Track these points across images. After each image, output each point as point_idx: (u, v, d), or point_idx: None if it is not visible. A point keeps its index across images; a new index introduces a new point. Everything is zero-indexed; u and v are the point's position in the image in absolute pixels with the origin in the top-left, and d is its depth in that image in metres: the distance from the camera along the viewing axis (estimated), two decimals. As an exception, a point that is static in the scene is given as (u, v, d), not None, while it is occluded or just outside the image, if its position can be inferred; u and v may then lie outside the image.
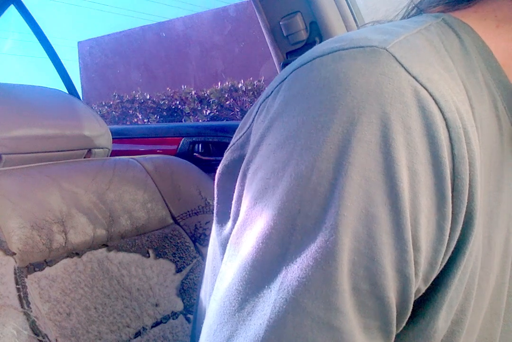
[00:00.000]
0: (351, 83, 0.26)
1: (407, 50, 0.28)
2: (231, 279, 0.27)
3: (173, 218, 0.89)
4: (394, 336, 0.27)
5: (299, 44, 0.89)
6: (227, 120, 4.84)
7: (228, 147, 0.34)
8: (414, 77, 0.27)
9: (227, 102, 5.01)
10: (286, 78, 0.30)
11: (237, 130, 0.35)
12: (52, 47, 1.45)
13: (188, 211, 0.90)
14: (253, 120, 0.32)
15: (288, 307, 0.25)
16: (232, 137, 0.36)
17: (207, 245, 0.88)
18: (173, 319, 0.76)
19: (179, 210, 0.90)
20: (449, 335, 0.30)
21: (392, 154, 0.25)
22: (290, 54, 0.92)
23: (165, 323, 0.75)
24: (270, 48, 0.94)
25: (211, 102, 5.06)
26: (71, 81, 1.49)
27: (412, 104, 0.26)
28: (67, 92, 1.41)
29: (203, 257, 0.88)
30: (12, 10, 1.39)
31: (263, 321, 0.25)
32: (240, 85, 4.95)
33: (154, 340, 0.72)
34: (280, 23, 0.89)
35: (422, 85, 0.26)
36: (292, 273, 0.25)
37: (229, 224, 0.33)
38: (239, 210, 0.31)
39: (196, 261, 0.86)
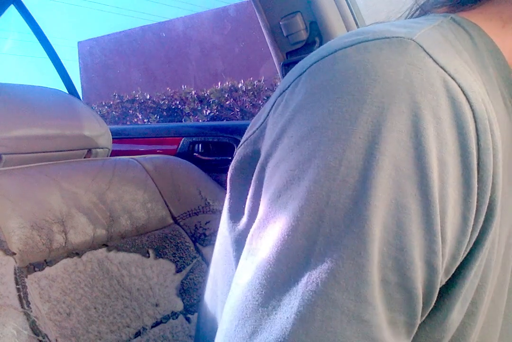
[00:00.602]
0: (379, 73, 0.26)
1: (431, 41, 0.28)
2: (253, 273, 0.27)
3: (173, 218, 0.89)
4: (416, 329, 0.27)
5: (299, 44, 0.89)
6: (227, 120, 4.84)
7: (241, 143, 0.34)
8: (442, 68, 0.26)
9: (227, 102, 5.01)
10: (304, 71, 0.29)
11: (249, 126, 0.35)
12: (52, 47, 1.45)
13: (188, 211, 0.90)
14: (267, 115, 0.32)
15: (317, 299, 0.24)
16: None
17: (207, 245, 0.89)
18: (173, 319, 0.76)
19: (179, 210, 0.90)
20: (461, 327, 0.30)
21: (423, 144, 0.25)
22: (290, 54, 0.92)
23: (165, 323, 0.75)
24: (270, 48, 0.94)
25: (211, 102, 5.06)
26: (71, 81, 1.49)
27: (442, 94, 0.26)
28: (67, 92, 1.41)
29: (203, 257, 0.88)
30: (12, 10, 1.39)
31: (290, 314, 0.25)
32: (240, 85, 4.95)
33: (154, 340, 0.72)
34: (280, 23, 0.89)
35: (450, 75, 0.26)
36: (320, 265, 0.25)
37: (244, 219, 0.33)
38: (256, 205, 0.30)
39: (196, 261, 0.86)
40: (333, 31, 0.85)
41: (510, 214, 0.32)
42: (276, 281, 0.26)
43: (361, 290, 0.24)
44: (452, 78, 0.26)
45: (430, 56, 0.27)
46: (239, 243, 0.32)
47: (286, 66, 0.93)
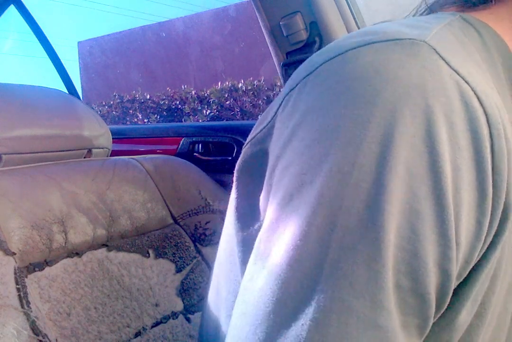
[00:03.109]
0: (391, 76, 0.25)
1: (443, 43, 0.27)
2: (264, 279, 0.27)
3: (173, 218, 0.89)
4: (427, 331, 0.27)
5: (299, 44, 0.89)
6: (227, 120, 4.84)
7: (247, 142, 0.33)
8: (455, 71, 0.26)
9: (227, 102, 5.01)
10: (313, 71, 0.29)
11: (255, 125, 0.34)
12: (52, 47, 1.45)
13: (188, 211, 0.90)
14: (275, 114, 0.31)
15: (333, 306, 0.24)
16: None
17: (207, 245, 0.89)
18: (173, 319, 0.76)
19: (179, 210, 0.90)
20: (469, 328, 0.30)
21: (437, 148, 0.25)
22: (290, 54, 0.92)
23: (165, 323, 0.75)
24: (270, 48, 0.94)
25: (211, 102, 5.06)
26: (71, 81, 1.49)
27: (455, 98, 0.26)
28: (67, 92, 1.41)
29: (203, 257, 0.88)
30: (12, 10, 1.39)
31: (305, 321, 0.24)
32: (240, 85, 4.95)
33: (154, 340, 0.72)
34: (280, 23, 0.89)
35: (463, 79, 0.26)
36: (335, 271, 0.24)
37: (254, 220, 0.32)
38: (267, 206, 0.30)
39: (196, 261, 0.86)
40: (333, 31, 0.85)
41: None
42: (288, 288, 0.25)
43: (377, 295, 0.24)
44: (466, 81, 0.26)
45: (443, 59, 0.26)
46: (245, 243, 0.32)
47: (286, 66, 0.93)
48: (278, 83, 4.60)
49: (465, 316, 0.29)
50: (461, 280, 0.28)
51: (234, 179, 0.33)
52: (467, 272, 0.28)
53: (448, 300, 0.27)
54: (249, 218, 0.32)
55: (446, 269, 0.25)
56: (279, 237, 0.27)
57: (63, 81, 1.48)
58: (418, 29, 0.28)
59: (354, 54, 0.27)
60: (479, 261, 0.28)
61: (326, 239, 0.25)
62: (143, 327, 0.72)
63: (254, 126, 0.34)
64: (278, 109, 0.31)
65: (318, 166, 0.26)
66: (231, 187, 0.35)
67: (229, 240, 0.37)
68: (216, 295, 0.40)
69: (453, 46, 0.28)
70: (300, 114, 0.28)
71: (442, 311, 0.27)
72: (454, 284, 0.27)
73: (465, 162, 0.26)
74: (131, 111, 5.77)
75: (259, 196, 0.31)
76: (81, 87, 6.88)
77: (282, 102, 0.31)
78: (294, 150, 0.28)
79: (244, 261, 0.32)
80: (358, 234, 0.24)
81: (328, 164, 0.26)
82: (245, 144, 0.34)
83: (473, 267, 0.28)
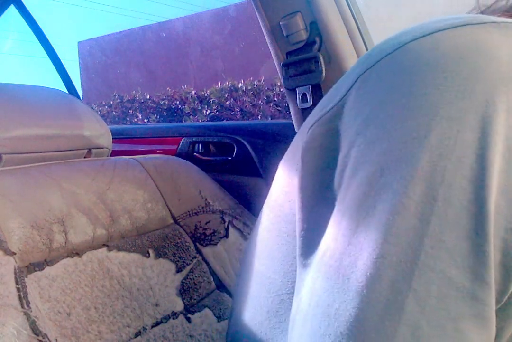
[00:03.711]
0: (492, 55, 0.26)
1: None
2: (354, 254, 0.27)
3: (173, 218, 0.89)
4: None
5: (299, 44, 0.89)
6: (227, 120, 4.84)
7: (312, 124, 0.33)
8: None
9: (227, 102, 5.01)
10: (397, 49, 0.29)
11: (317, 107, 0.34)
12: (52, 47, 1.45)
13: (188, 211, 0.90)
14: (346, 93, 0.31)
15: (433, 278, 0.25)
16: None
17: (207, 245, 0.89)
18: (173, 319, 0.76)
19: (179, 210, 0.90)
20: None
21: None
22: (290, 54, 0.92)
23: (165, 323, 0.75)
24: (270, 48, 0.94)
25: (211, 102, 5.06)
26: (71, 81, 1.49)
27: None
28: (67, 92, 1.41)
29: (203, 257, 0.88)
30: (12, 10, 1.39)
31: (405, 293, 0.25)
32: (240, 85, 4.95)
33: (154, 340, 0.72)
34: (280, 23, 0.89)
35: None
36: (436, 245, 0.25)
37: (320, 198, 0.32)
38: (343, 182, 0.30)
39: (196, 261, 0.86)
40: (333, 31, 0.85)
41: None
42: (384, 262, 0.26)
43: (478, 268, 0.25)
44: None
45: None
46: (309, 222, 0.32)
47: (286, 66, 0.93)
48: (278, 83, 4.60)
49: None
50: None
51: (300, 158, 0.33)
52: None
53: None
54: (315, 197, 0.32)
55: None
56: (370, 213, 0.27)
57: (63, 81, 1.49)
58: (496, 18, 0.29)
59: (445, 35, 0.27)
60: None
61: (426, 212, 0.25)
62: (143, 327, 0.72)
63: (316, 109, 0.34)
64: (350, 89, 0.31)
65: (416, 142, 0.26)
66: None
67: (278, 218, 0.37)
68: (254, 272, 0.40)
69: None
70: (385, 91, 0.28)
71: None
72: None
73: None
74: (131, 111, 5.77)
75: (327, 174, 0.31)
76: (81, 87, 6.88)
77: (355, 82, 0.30)
78: (384, 125, 0.28)
79: (306, 239, 0.32)
80: (461, 208, 0.25)
81: (428, 139, 0.26)
82: (310, 126, 0.33)
83: None
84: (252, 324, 0.39)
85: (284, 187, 0.38)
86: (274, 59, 0.95)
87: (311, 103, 0.91)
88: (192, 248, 0.87)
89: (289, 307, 0.35)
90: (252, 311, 0.40)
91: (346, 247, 0.28)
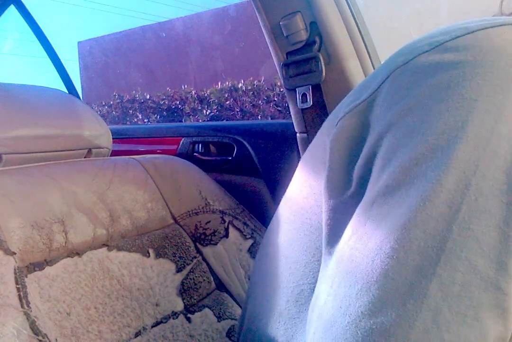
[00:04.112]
0: None
1: None
2: (382, 238, 0.27)
3: (173, 217, 0.89)
4: None
5: (299, 44, 0.89)
6: (227, 120, 4.84)
7: (341, 116, 0.34)
8: None
9: (227, 102, 5.01)
10: (435, 48, 0.30)
11: (346, 99, 0.35)
12: (52, 47, 1.45)
13: (188, 211, 0.90)
14: (379, 87, 0.32)
15: (458, 265, 0.25)
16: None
17: (207, 245, 0.89)
18: (173, 319, 0.76)
19: (179, 210, 0.90)
20: None
21: None
22: (290, 54, 0.92)
23: (165, 323, 0.75)
24: (270, 48, 0.94)
25: (211, 102, 5.06)
26: (71, 81, 1.49)
27: None
28: (67, 92, 1.41)
29: (203, 257, 0.88)
30: (12, 10, 1.39)
31: (429, 279, 0.25)
32: (240, 85, 4.95)
33: (154, 340, 0.72)
34: (280, 23, 0.89)
35: None
36: (465, 232, 0.25)
37: (346, 188, 0.33)
38: (367, 174, 0.31)
39: (196, 261, 0.86)
40: (333, 31, 0.85)
41: None
42: (411, 248, 0.26)
43: (503, 258, 0.25)
44: None
45: None
46: (336, 210, 0.33)
47: (286, 66, 0.93)
48: (278, 83, 4.60)
49: None
50: None
51: (329, 149, 0.34)
52: None
53: None
54: (342, 186, 0.33)
55: None
56: (399, 200, 0.28)
57: (63, 81, 1.48)
58: None
59: (487, 33, 0.29)
60: None
61: (457, 201, 0.26)
62: (143, 327, 0.72)
63: (345, 102, 0.35)
64: (383, 83, 0.32)
65: (453, 132, 0.27)
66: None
67: (302, 210, 0.38)
68: (273, 262, 0.41)
69: None
70: (422, 85, 0.29)
71: None
72: None
73: None
74: (131, 111, 5.77)
75: (354, 164, 0.32)
76: (81, 87, 6.88)
77: (388, 77, 0.32)
78: (418, 117, 0.29)
79: (333, 227, 0.33)
80: (492, 197, 0.26)
81: (465, 131, 0.27)
82: (339, 118, 0.34)
83: None
84: (270, 315, 0.40)
85: (309, 180, 0.39)
86: (274, 59, 0.95)
87: (311, 103, 0.91)
88: (192, 248, 0.87)
89: (309, 297, 0.36)
90: (270, 304, 0.40)
91: (373, 231, 0.28)
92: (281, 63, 0.93)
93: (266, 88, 4.85)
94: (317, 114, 0.91)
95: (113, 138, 0.93)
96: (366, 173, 0.31)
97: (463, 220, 0.26)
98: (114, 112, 5.88)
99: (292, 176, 0.44)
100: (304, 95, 0.92)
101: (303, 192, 0.39)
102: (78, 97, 1.49)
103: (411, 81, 0.30)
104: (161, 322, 0.75)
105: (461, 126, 0.27)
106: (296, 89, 0.93)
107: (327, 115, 0.68)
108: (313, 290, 0.35)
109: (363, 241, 0.29)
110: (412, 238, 0.26)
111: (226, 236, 0.90)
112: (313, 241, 0.37)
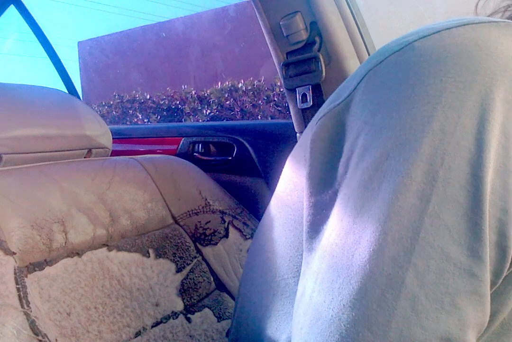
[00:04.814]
0: (491, 49, 0.28)
1: None
2: (358, 232, 0.28)
3: (173, 218, 0.89)
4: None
5: (299, 44, 0.89)
6: (227, 120, 4.84)
7: (320, 117, 0.35)
8: None
9: (227, 102, 5.01)
10: (403, 48, 0.31)
11: (327, 101, 0.36)
12: (52, 47, 1.45)
13: (188, 211, 0.90)
14: (354, 88, 0.33)
15: (432, 253, 0.26)
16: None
17: (207, 245, 0.89)
18: (173, 319, 0.76)
19: (179, 210, 0.90)
20: None
21: None
22: (290, 54, 0.92)
23: (165, 323, 0.75)
24: (270, 48, 0.94)
25: (211, 102, 5.06)
26: (71, 81, 1.49)
27: None
28: (67, 92, 1.41)
29: (203, 257, 0.88)
30: (12, 10, 1.39)
31: (406, 267, 0.26)
32: (240, 85, 4.95)
33: (154, 340, 0.72)
34: (280, 23, 0.89)
35: None
36: (436, 222, 0.27)
37: (326, 186, 0.34)
38: (349, 168, 0.31)
39: (196, 261, 0.86)
40: (333, 31, 0.85)
41: None
42: (385, 238, 0.27)
43: (474, 245, 0.26)
44: None
45: None
46: (316, 207, 0.34)
47: (286, 66, 0.93)
48: (278, 83, 4.60)
49: None
50: None
51: (309, 148, 0.35)
52: None
53: None
54: (322, 184, 0.34)
55: None
56: (373, 194, 0.29)
57: (63, 81, 1.49)
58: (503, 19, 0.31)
59: (451, 32, 0.30)
60: None
61: (426, 193, 0.27)
62: (143, 327, 0.72)
63: (326, 103, 0.36)
64: (358, 83, 0.33)
65: (420, 127, 0.28)
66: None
67: (287, 208, 0.39)
68: (262, 259, 0.42)
69: None
70: (392, 84, 0.30)
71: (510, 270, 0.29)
72: None
73: None
74: (131, 111, 5.77)
75: (334, 162, 0.33)
76: (81, 87, 6.88)
77: (363, 77, 0.33)
78: (387, 114, 0.30)
79: (313, 223, 0.34)
80: (459, 188, 0.27)
81: (431, 125, 0.28)
82: (318, 119, 0.36)
83: None
84: (258, 309, 0.41)
85: (293, 177, 0.40)
86: (274, 59, 0.95)
87: (311, 103, 0.91)
88: (192, 248, 0.87)
89: (293, 290, 0.37)
90: (258, 298, 0.41)
91: (351, 226, 0.29)
92: (281, 63, 0.93)
93: (266, 88, 4.85)
94: (317, 114, 0.91)
95: (113, 138, 0.93)
96: (344, 170, 0.33)
97: (433, 210, 0.27)
98: (114, 112, 5.88)
99: None
100: (304, 95, 0.92)
101: (287, 188, 0.41)
102: (78, 97, 1.49)
103: (383, 80, 0.31)
104: (161, 322, 0.75)
105: (427, 121, 0.28)
106: (296, 89, 0.93)
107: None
108: (297, 283, 0.35)
109: (342, 236, 0.30)
110: (387, 230, 0.27)
111: (226, 236, 0.90)
112: (296, 236, 0.38)
